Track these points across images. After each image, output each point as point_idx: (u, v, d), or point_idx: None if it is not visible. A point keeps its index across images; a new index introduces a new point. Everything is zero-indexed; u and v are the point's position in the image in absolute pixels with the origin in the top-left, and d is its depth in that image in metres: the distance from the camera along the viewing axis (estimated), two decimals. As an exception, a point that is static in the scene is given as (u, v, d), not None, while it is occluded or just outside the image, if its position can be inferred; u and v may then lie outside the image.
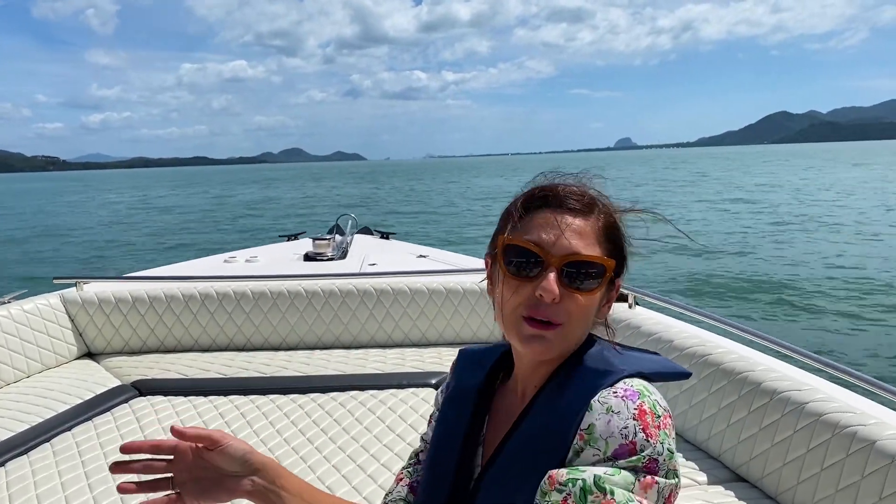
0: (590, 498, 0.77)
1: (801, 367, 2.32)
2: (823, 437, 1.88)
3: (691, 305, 2.87)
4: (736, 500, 2.08)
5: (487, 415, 1.03)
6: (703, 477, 2.21)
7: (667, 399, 2.65)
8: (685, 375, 0.98)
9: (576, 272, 0.89)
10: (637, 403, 0.82)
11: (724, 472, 2.23)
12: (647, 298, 3.08)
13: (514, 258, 0.91)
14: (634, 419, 0.81)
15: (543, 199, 0.93)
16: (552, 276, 0.87)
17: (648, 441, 0.80)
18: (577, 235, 0.90)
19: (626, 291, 3.09)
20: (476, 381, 1.05)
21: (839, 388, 2.14)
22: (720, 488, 2.15)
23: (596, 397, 0.84)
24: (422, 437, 1.20)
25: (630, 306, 3.09)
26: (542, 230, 0.90)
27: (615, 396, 0.83)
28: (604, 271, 0.90)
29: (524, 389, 0.98)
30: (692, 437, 2.40)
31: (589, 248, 0.90)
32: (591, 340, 0.96)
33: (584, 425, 0.83)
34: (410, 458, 1.21)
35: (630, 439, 0.80)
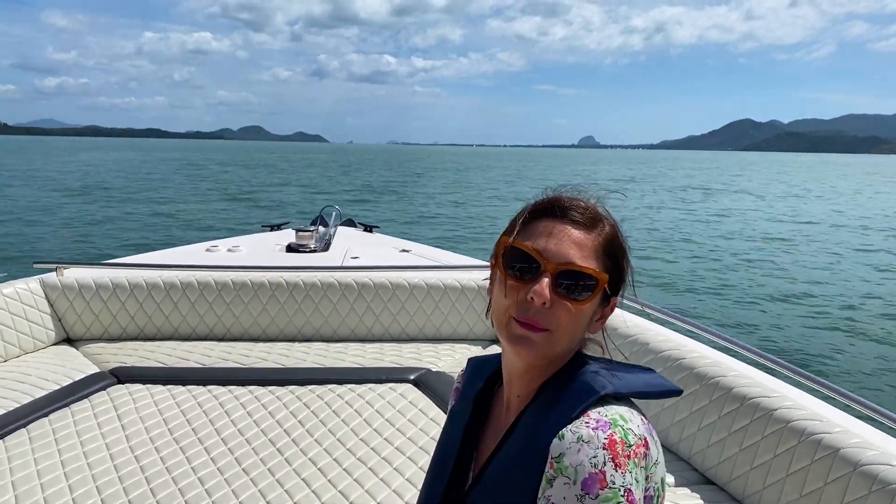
0: None
1: (771, 374, 2.39)
2: (790, 443, 1.95)
3: (668, 310, 2.93)
4: (702, 502, 2.14)
5: (486, 421, 1.07)
6: (671, 479, 2.27)
7: (639, 402, 2.75)
8: (675, 393, 1.00)
9: (569, 281, 0.92)
10: (608, 433, 0.84)
11: (693, 475, 2.30)
12: (624, 301, 3.15)
13: (512, 261, 0.95)
14: (604, 448, 0.83)
15: (549, 208, 0.97)
16: (545, 280, 0.91)
17: (617, 471, 0.82)
18: (576, 246, 0.93)
19: None
20: (475, 390, 1.09)
21: (807, 396, 2.21)
22: (687, 490, 2.21)
23: (569, 426, 0.86)
24: None
25: None
26: (542, 237, 0.94)
27: (586, 426, 0.85)
28: (596, 284, 0.93)
29: (509, 398, 1.01)
30: (663, 439, 2.45)
31: (585, 260, 0.93)
32: (581, 359, 0.98)
33: (555, 453, 0.85)
34: None
35: (599, 468, 0.82)
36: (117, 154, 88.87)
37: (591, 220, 0.96)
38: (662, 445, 2.61)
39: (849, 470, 1.78)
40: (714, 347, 2.68)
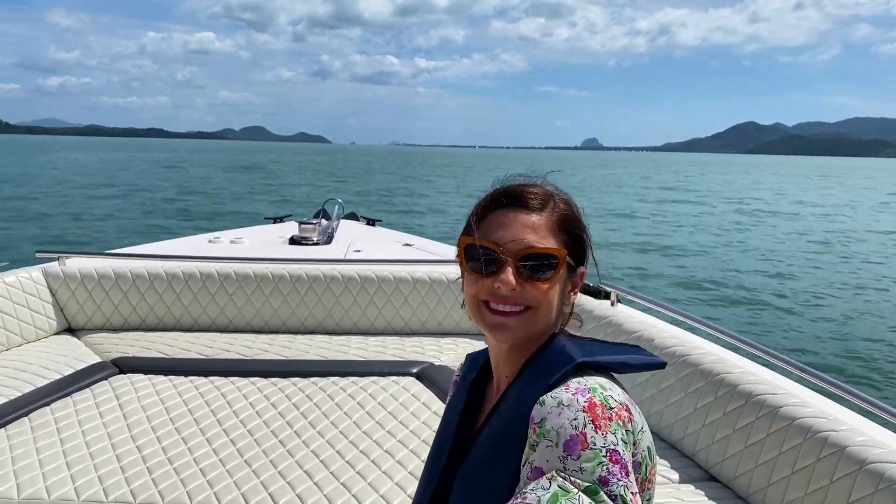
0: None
1: (777, 371, 2.37)
2: (796, 440, 1.93)
3: (673, 306, 2.91)
4: (706, 499, 2.13)
5: (481, 408, 1.09)
6: (675, 475, 2.26)
7: (643, 398, 2.73)
8: (659, 365, 1.03)
9: (531, 264, 0.95)
10: (587, 397, 0.86)
11: (697, 472, 2.28)
12: (629, 297, 3.12)
13: (473, 256, 0.98)
14: (584, 411, 0.84)
15: (500, 199, 1.00)
16: (509, 269, 0.95)
17: (598, 432, 0.83)
18: (531, 230, 0.97)
19: (609, 289, 3.13)
20: (470, 378, 1.13)
21: (813, 394, 2.20)
22: (691, 487, 2.20)
23: (549, 393, 0.89)
24: None
25: (613, 304, 3.12)
26: (498, 229, 0.98)
27: (566, 392, 0.88)
28: (558, 261, 0.96)
29: (499, 379, 1.04)
30: (667, 435, 2.45)
31: (543, 241, 0.96)
32: (564, 335, 1.01)
33: (536, 419, 0.87)
34: None
35: (580, 430, 0.83)
36: (105, 154, 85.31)
37: (541, 201, 0.99)
38: (666, 442, 2.59)
39: (855, 468, 1.76)
40: (719, 344, 2.66)
